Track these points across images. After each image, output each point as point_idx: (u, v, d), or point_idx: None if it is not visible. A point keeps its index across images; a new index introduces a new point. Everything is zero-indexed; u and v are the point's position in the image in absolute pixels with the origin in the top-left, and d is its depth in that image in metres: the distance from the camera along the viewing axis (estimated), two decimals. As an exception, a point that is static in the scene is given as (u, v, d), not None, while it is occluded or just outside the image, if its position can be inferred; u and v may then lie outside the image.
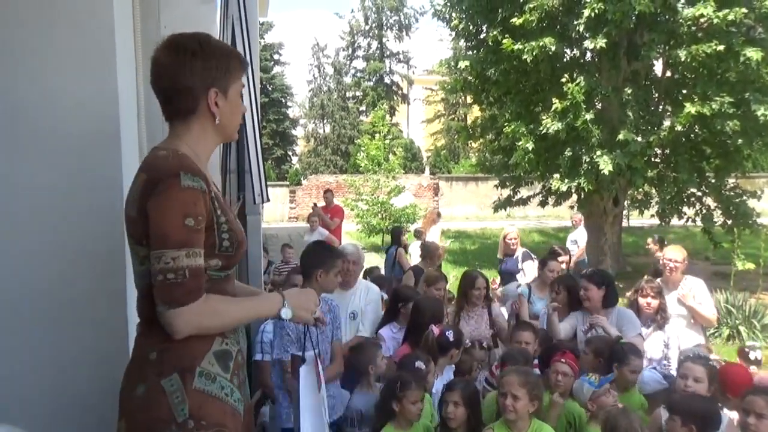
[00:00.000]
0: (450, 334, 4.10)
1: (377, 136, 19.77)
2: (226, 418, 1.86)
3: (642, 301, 4.69)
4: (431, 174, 31.08)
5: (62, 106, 2.34)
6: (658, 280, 5.17)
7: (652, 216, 13.50)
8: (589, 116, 11.46)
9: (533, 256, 8.16)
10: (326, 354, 3.60)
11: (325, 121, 42.89)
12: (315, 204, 12.36)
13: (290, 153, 41.72)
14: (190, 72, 1.90)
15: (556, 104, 11.63)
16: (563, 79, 11.89)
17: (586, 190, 12.01)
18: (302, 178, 30.03)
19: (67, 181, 2.35)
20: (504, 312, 5.47)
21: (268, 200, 4.50)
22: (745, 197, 12.85)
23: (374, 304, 4.68)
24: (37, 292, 2.32)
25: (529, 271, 7.66)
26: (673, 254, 5.30)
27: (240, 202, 4.39)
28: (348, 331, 4.47)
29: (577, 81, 11.55)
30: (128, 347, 2.20)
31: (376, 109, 27.63)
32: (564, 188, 12.35)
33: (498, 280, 7.65)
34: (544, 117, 12.11)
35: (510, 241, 8.24)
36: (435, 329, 4.11)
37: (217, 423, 1.83)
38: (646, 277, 5.25)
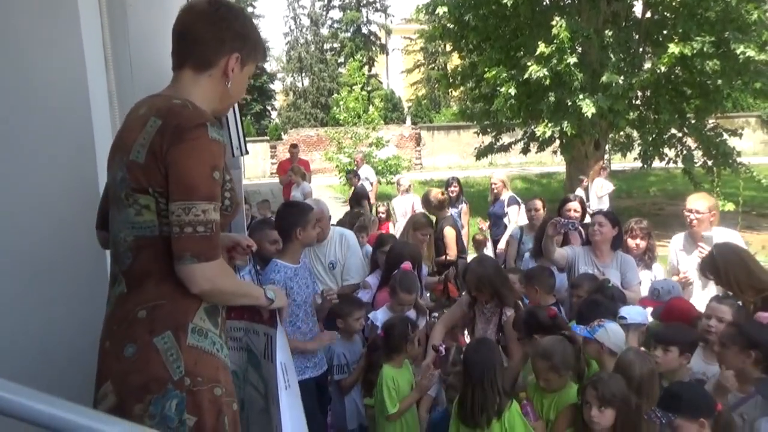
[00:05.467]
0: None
1: (355, 88, 19.51)
2: (219, 374, 1.84)
3: (631, 242, 4.67)
4: (412, 124, 30.88)
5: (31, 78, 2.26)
6: (683, 234, 4.73)
7: (635, 159, 13.54)
8: (572, 60, 11.36)
9: (519, 201, 8.25)
10: (308, 305, 3.65)
11: (303, 74, 42.25)
12: (293, 165, 12.12)
13: (269, 108, 41.18)
14: (226, 29, 1.90)
15: (541, 48, 11.50)
16: (553, 22, 11.70)
17: (569, 134, 11.99)
18: (282, 133, 29.71)
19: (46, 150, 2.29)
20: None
21: (247, 152, 4.43)
22: (725, 137, 12.93)
23: (353, 251, 4.67)
24: (19, 254, 2.27)
25: (513, 216, 7.77)
26: (696, 203, 4.55)
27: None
28: (330, 281, 4.48)
29: (560, 23, 11.40)
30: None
31: (351, 60, 27.19)
32: (548, 133, 12.30)
33: (486, 223, 8.12)
34: (526, 62, 11.99)
35: (492, 185, 8.39)
36: (403, 266, 4.17)
37: (212, 379, 1.80)
38: (634, 219, 5.08)
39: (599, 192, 11.52)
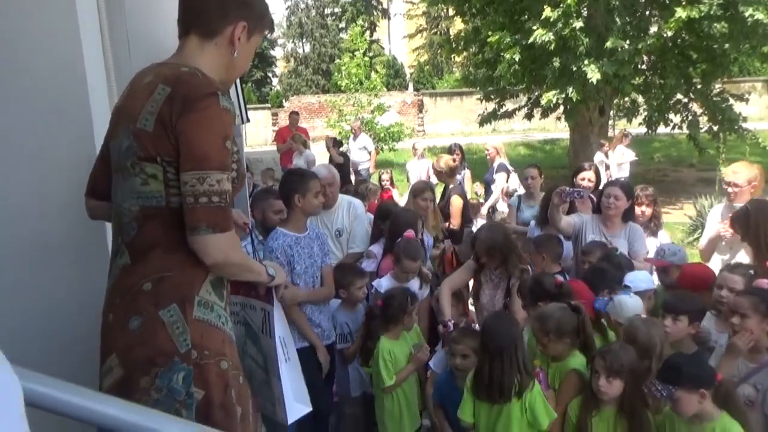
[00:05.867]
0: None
1: (357, 53, 19.27)
2: (225, 347, 1.82)
3: (636, 209, 4.63)
4: (415, 90, 30.55)
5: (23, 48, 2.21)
6: (722, 205, 4.58)
7: (640, 125, 13.42)
8: (577, 24, 11.17)
9: (509, 168, 8.37)
10: (315, 279, 3.65)
11: (304, 40, 41.67)
12: (294, 133, 12.03)
13: (270, 75, 40.73)
14: None
15: (546, 12, 11.29)
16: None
17: (574, 100, 11.86)
18: (284, 100, 29.43)
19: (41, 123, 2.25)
20: None
21: (248, 120, 4.37)
22: (731, 102, 12.78)
23: (360, 219, 4.65)
24: (19, 239, 2.24)
25: (500, 182, 8.04)
26: (734, 176, 4.33)
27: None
28: (336, 249, 4.47)
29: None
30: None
31: (352, 25, 26.80)
32: (554, 100, 12.15)
33: (482, 188, 8.43)
34: (531, 26, 11.79)
35: (486, 152, 8.60)
36: (406, 234, 4.15)
37: (219, 352, 1.79)
38: (640, 186, 4.99)
39: (620, 159, 11.41)
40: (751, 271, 3.56)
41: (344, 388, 4.05)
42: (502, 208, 7.87)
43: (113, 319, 1.75)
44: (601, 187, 4.98)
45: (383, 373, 3.48)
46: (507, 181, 8.16)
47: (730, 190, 4.34)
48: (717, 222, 4.41)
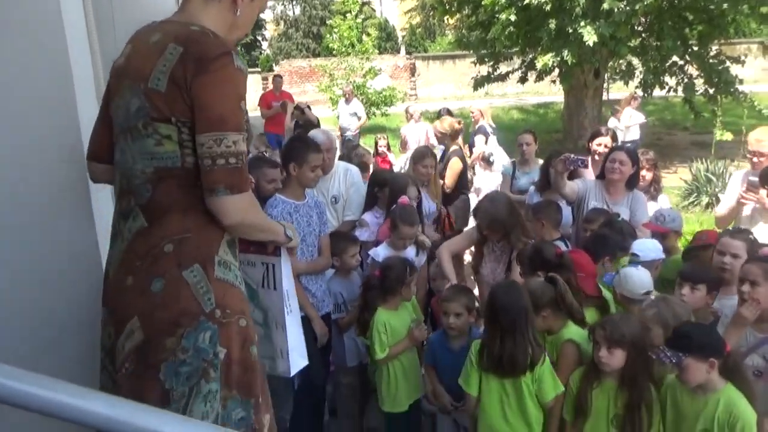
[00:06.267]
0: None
1: (348, 15, 18.89)
2: (243, 305, 1.85)
3: None
4: (407, 54, 30.17)
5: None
6: (744, 172, 4.37)
7: (636, 87, 13.26)
8: (574, -16, 10.96)
9: (488, 131, 8.35)
10: (314, 248, 3.58)
11: (294, 2, 40.92)
12: (283, 101, 11.77)
13: (260, 38, 40.06)
14: None
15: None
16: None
17: (569, 63, 11.69)
18: (274, 64, 29.00)
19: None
20: None
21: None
22: (728, 64, 12.63)
23: (356, 187, 4.55)
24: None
25: (479, 145, 7.98)
26: (758, 145, 4.07)
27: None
28: (332, 217, 4.39)
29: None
30: (100, 266, 2.06)
31: (345, -14, 26.24)
32: (549, 63, 11.96)
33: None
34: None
35: (471, 114, 8.63)
36: (401, 200, 4.08)
37: (238, 310, 1.81)
38: (640, 149, 4.85)
39: (628, 122, 11.30)
40: (751, 236, 3.49)
41: (340, 358, 4.01)
42: (478, 171, 7.78)
43: (132, 282, 1.73)
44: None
45: (376, 345, 3.43)
46: (486, 144, 8.05)
47: (755, 159, 4.11)
48: (739, 188, 4.20)
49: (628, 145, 4.99)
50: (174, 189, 1.74)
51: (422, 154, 5.12)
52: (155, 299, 1.70)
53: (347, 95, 12.77)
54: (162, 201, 1.74)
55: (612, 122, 11.27)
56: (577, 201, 4.34)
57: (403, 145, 9.54)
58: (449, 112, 8.45)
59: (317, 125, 8.03)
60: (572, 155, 4.18)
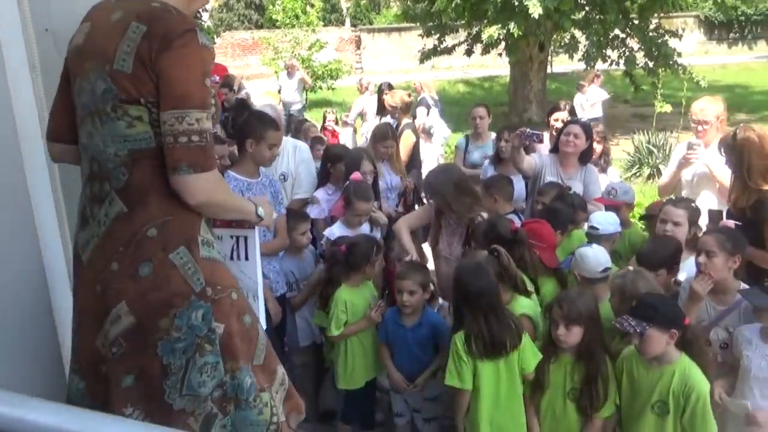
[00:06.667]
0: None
1: (292, -15, 18.42)
2: (232, 279, 1.90)
3: None
4: (352, 26, 29.78)
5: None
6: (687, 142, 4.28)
7: (580, 60, 13.42)
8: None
9: (430, 103, 8.41)
10: (270, 229, 3.47)
11: (234, -29, 39.77)
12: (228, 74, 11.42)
13: (200, 9, 38.84)
14: None
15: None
16: None
17: (515, 36, 11.71)
18: (215, 36, 28.15)
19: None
20: None
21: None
22: (666, 38, 12.90)
23: (306, 164, 4.42)
24: None
25: (421, 117, 7.97)
26: (701, 113, 4.08)
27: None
28: (280, 193, 4.25)
29: None
30: (41, 260, 2.00)
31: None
32: (495, 35, 11.96)
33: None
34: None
35: (414, 86, 8.81)
36: (353, 176, 4.02)
37: (228, 285, 1.85)
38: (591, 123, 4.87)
39: (591, 99, 11.39)
40: (693, 205, 3.55)
41: (293, 339, 3.92)
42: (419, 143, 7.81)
43: (118, 268, 1.72)
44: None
45: (332, 322, 3.37)
46: (427, 116, 8.04)
47: (699, 128, 4.12)
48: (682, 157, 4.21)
49: (592, 121, 4.96)
50: (150, 170, 1.71)
51: (383, 134, 5.03)
52: (146, 283, 1.71)
53: (289, 69, 12.47)
54: (140, 185, 1.72)
55: (578, 98, 11.41)
56: (533, 176, 4.33)
57: (362, 117, 9.48)
58: (390, 87, 8.35)
59: (246, 105, 7.89)
60: (528, 129, 4.16)
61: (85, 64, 1.73)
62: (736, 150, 3.38)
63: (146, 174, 1.71)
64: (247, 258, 2.32)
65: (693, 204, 3.56)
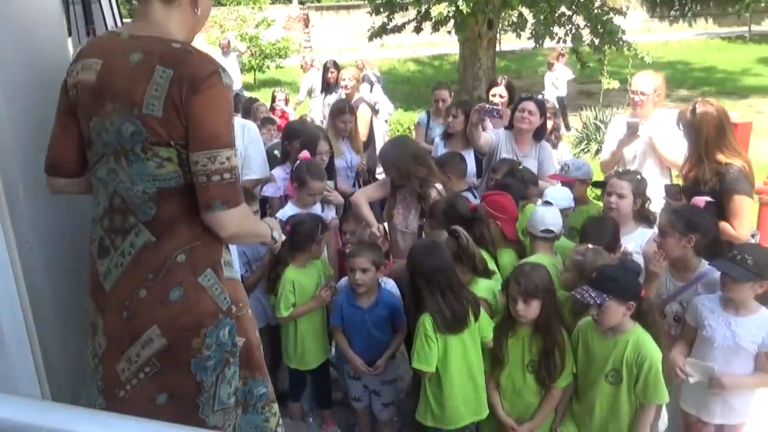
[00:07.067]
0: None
1: (236, -39, 17.99)
2: (246, 297, 2.05)
3: None
4: (300, 4, 29.29)
5: None
6: (625, 114, 4.59)
7: (529, 38, 13.53)
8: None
9: (373, 80, 8.45)
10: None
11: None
12: None
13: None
14: None
15: None
16: None
17: (464, 12, 11.71)
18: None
19: None
20: None
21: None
22: (611, 15, 13.10)
23: (255, 144, 4.30)
24: None
25: (364, 93, 7.80)
26: (641, 84, 4.27)
27: (91, 36, 3.73)
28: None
29: None
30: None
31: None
32: (444, 12, 11.93)
33: None
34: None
35: (357, 64, 8.76)
36: (302, 155, 3.99)
37: (245, 302, 2.00)
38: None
39: (560, 78, 11.46)
40: (638, 176, 3.62)
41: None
42: None
43: (147, 295, 1.80)
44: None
45: (281, 303, 3.34)
46: (371, 92, 8.04)
47: (636, 98, 4.29)
48: (620, 132, 4.39)
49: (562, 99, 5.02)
50: (178, 204, 1.81)
51: (340, 109, 4.96)
52: (176, 307, 1.81)
53: (224, 48, 12.15)
54: (169, 216, 1.81)
55: (548, 77, 11.49)
56: (489, 152, 4.35)
57: (310, 94, 9.45)
58: (335, 64, 8.27)
59: None
60: (487, 105, 4.15)
61: (105, 105, 1.77)
62: (694, 124, 3.42)
63: (174, 207, 1.81)
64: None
65: (638, 176, 3.63)
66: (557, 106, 10.89)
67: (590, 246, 3.03)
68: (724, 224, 3.27)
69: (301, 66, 10.67)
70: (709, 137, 3.37)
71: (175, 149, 1.75)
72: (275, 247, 2.47)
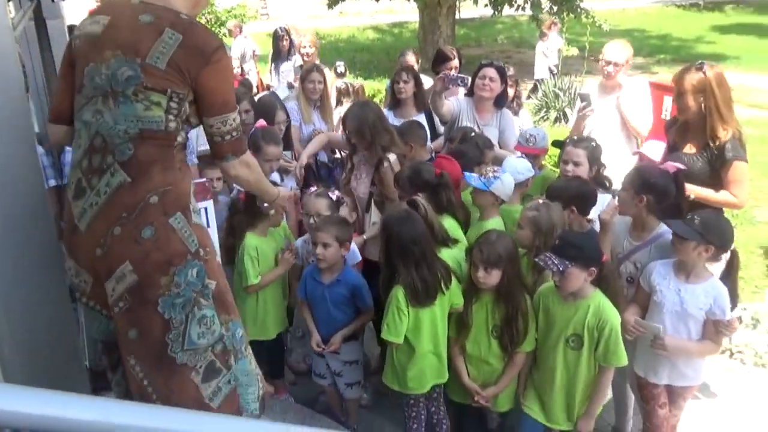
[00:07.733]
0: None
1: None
2: (213, 245, 2.20)
3: None
4: (255, -30, 28.57)
5: None
6: (596, 83, 4.57)
7: (486, 6, 13.48)
8: None
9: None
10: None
11: None
12: None
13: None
14: None
15: None
16: None
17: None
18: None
19: None
20: None
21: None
22: (570, -19, 13.13)
23: None
24: None
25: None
26: (613, 55, 4.33)
27: (33, 4, 3.56)
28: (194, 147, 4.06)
29: None
30: None
31: None
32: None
33: None
34: None
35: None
36: (258, 124, 3.97)
37: (212, 249, 2.15)
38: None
39: (551, 47, 11.40)
40: (593, 144, 3.62)
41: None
42: None
43: (121, 232, 1.93)
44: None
45: (249, 270, 3.26)
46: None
47: (610, 69, 4.30)
48: (594, 99, 4.35)
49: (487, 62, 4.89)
50: (155, 148, 1.96)
51: (308, 70, 4.86)
52: (149, 245, 1.93)
53: None
54: (144, 159, 1.95)
55: (540, 46, 11.43)
56: (450, 121, 4.32)
57: (242, 59, 9.54)
58: (287, 31, 8.08)
59: None
60: (452, 73, 4.10)
61: (104, 52, 1.94)
62: (708, 82, 3.20)
63: (151, 150, 1.95)
64: (208, 225, 2.72)
65: (593, 143, 3.62)
66: (550, 74, 10.96)
67: (541, 201, 3.05)
68: (724, 193, 3.21)
69: (229, 31, 10.58)
70: (719, 97, 3.19)
71: (167, 97, 1.94)
72: (267, 208, 2.92)
